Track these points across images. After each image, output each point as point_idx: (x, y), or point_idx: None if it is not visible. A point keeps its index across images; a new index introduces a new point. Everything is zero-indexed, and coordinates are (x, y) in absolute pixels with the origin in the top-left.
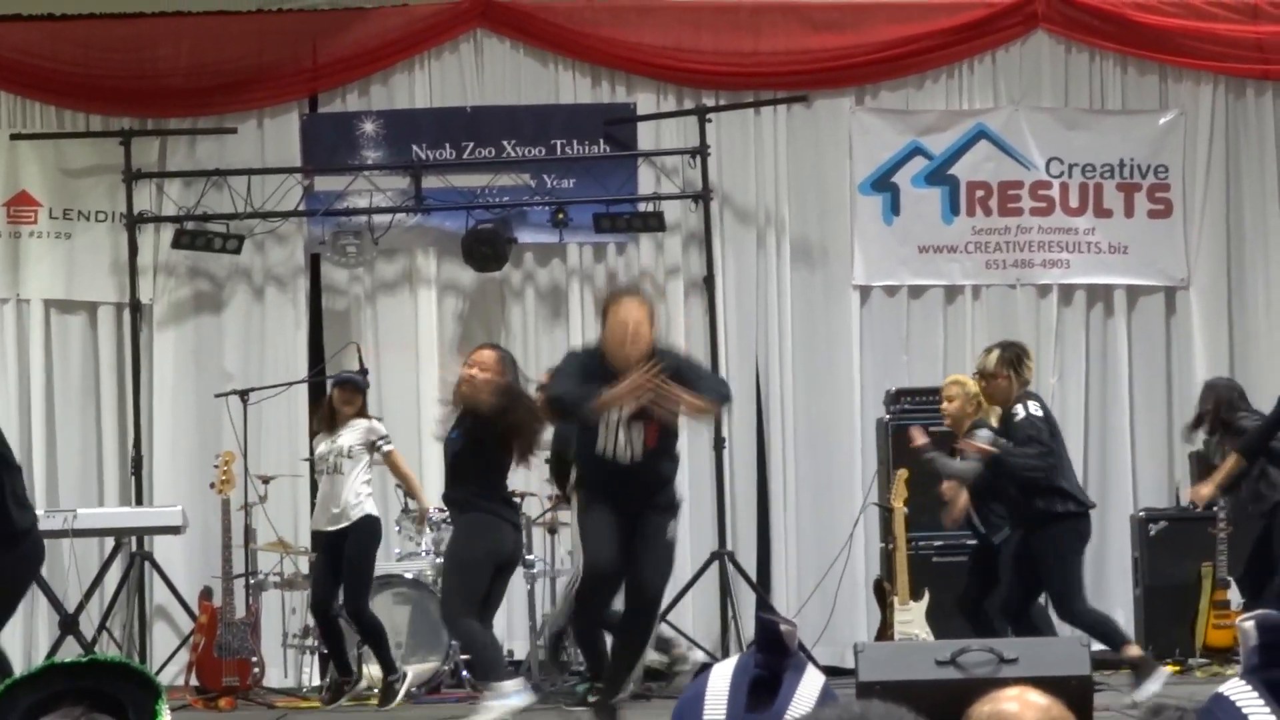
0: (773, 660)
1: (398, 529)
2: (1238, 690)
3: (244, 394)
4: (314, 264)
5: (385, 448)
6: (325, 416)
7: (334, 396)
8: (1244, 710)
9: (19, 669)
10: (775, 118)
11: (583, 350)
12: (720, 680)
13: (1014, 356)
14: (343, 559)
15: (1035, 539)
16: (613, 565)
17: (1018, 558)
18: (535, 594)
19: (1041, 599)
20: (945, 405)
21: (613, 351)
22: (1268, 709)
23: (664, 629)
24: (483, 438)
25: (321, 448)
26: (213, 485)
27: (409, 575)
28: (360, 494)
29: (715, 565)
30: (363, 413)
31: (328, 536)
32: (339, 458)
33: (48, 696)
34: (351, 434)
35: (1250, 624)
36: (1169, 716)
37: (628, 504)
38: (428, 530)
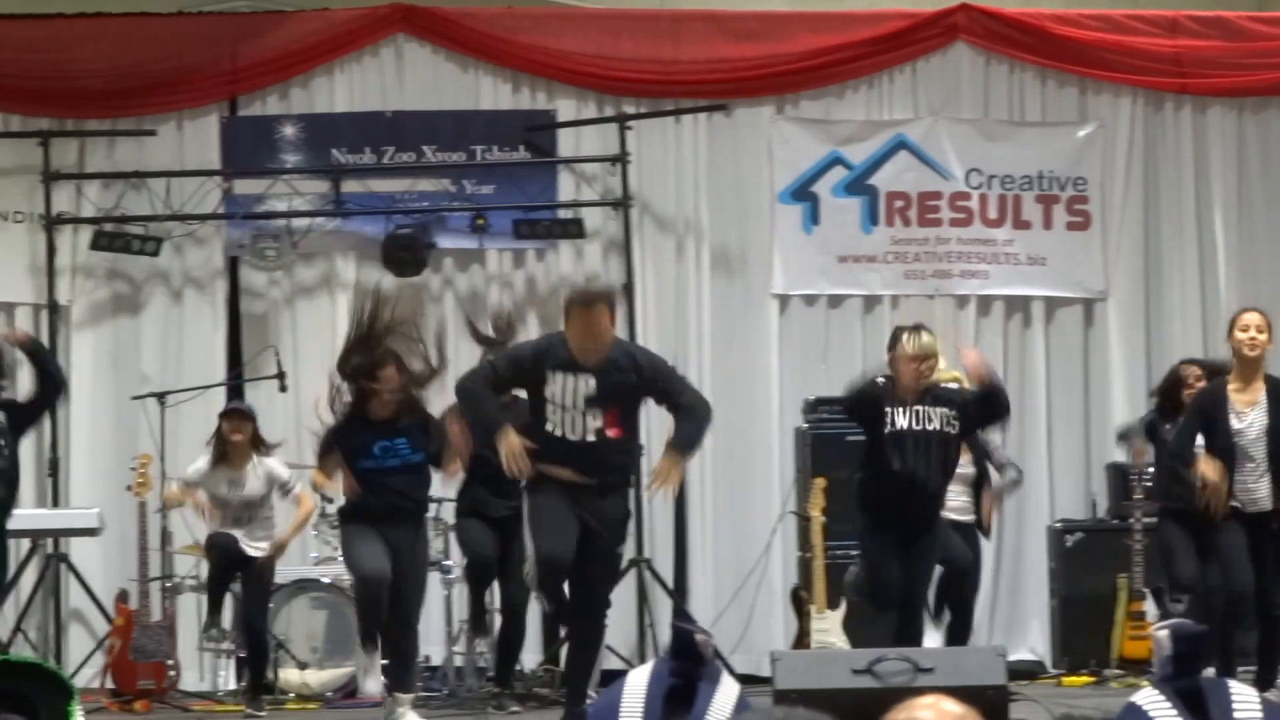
0: (688, 669)
1: (315, 533)
2: (1150, 699)
3: (161, 396)
4: (233, 267)
5: (293, 491)
6: (218, 448)
7: (222, 426)
8: (1156, 718)
9: None
10: (695, 126)
11: (545, 339)
12: (635, 689)
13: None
14: (250, 573)
15: None
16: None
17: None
18: (452, 599)
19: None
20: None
21: (574, 348)
22: (1180, 717)
23: None
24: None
25: (223, 490)
26: (130, 488)
27: (326, 580)
28: (270, 530)
29: (632, 572)
30: (256, 442)
31: (241, 552)
32: (246, 509)
33: None
34: (255, 481)
35: (1164, 633)
36: None
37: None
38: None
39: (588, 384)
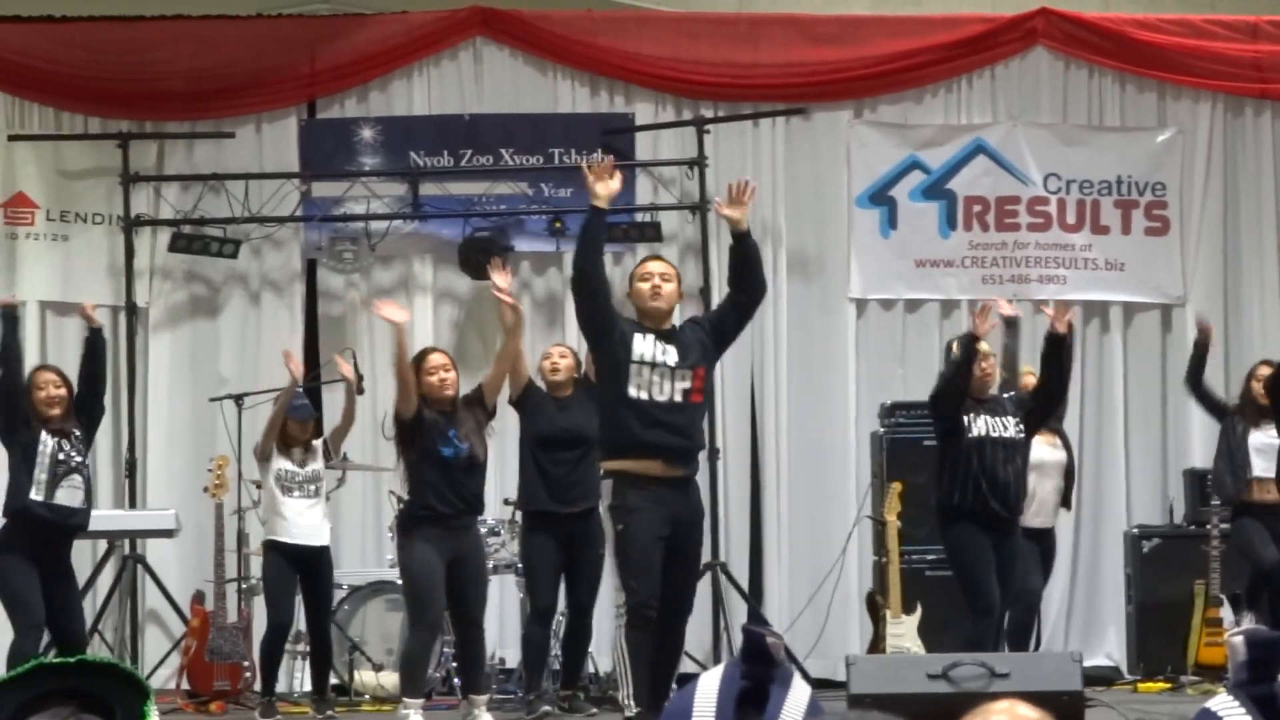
0: (758, 671)
1: (391, 536)
2: (1225, 705)
3: (239, 398)
4: (310, 270)
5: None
6: (280, 439)
7: (292, 427)
8: None
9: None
10: (773, 130)
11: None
12: (707, 691)
13: None
14: (318, 578)
15: None
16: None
17: None
18: (526, 601)
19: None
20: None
21: (639, 307)
22: None
23: None
24: None
25: (288, 466)
26: (206, 489)
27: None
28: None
29: (708, 576)
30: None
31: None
32: (310, 482)
33: (36, 696)
34: (315, 459)
35: (1239, 639)
36: None
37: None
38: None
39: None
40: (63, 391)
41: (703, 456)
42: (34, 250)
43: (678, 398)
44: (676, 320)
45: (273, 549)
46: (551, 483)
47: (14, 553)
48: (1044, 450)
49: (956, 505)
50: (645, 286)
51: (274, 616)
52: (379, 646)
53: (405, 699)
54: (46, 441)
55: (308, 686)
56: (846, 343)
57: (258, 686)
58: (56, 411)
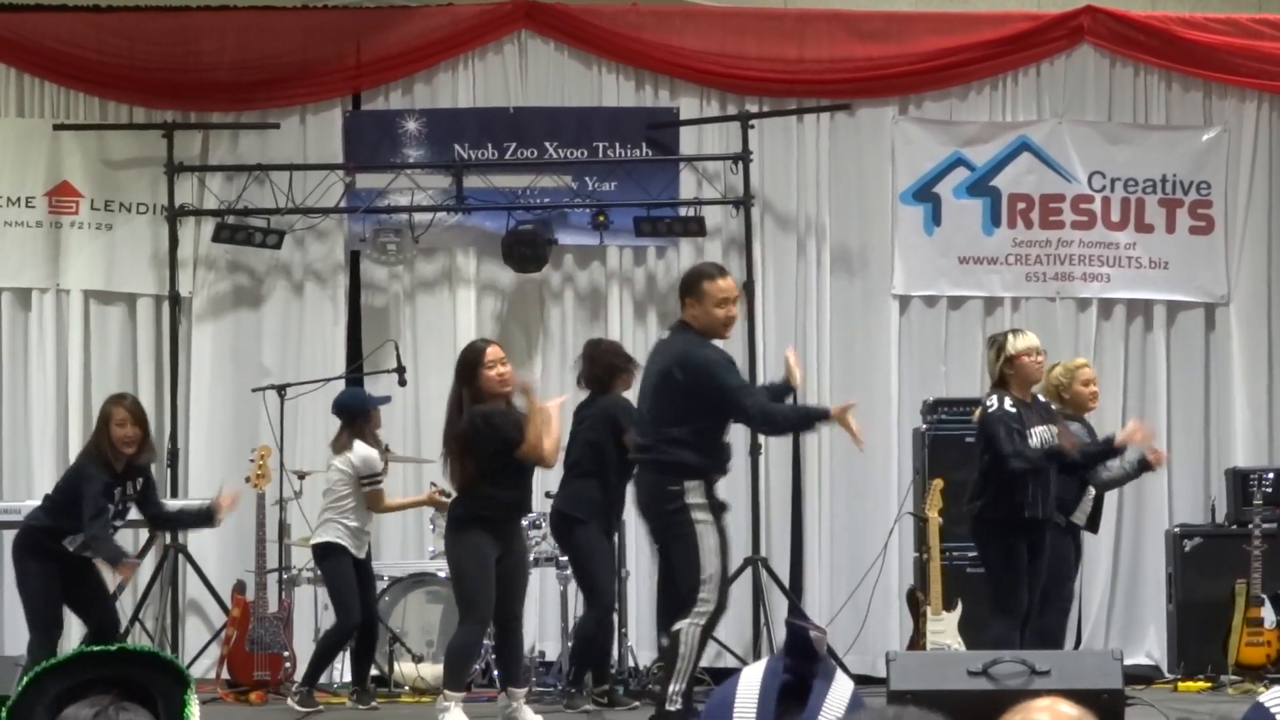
0: (801, 666)
1: (432, 528)
2: (1276, 699)
3: (281, 389)
4: (354, 261)
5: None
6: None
7: (374, 418)
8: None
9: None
10: (818, 125)
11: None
12: (749, 686)
13: None
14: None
15: None
16: None
17: None
18: (568, 595)
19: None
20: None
21: (709, 329)
22: None
23: None
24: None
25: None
26: (248, 479)
27: (442, 574)
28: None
29: (749, 571)
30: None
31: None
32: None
33: (77, 684)
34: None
35: None
36: None
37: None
38: None
39: None
40: (138, 431)
41: (744, 452)
42: (78, 239)
43: None
44: None
45: (341, 551)
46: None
47: (37, 558)
48: None
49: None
50: (722, 314)
51: (347, 616)
52: (419, 638)
53: (447, 691)
54: (113, 494)
55: (347, 678)
56: (889, 339)
57: (298, 675)
58: (130, 451)
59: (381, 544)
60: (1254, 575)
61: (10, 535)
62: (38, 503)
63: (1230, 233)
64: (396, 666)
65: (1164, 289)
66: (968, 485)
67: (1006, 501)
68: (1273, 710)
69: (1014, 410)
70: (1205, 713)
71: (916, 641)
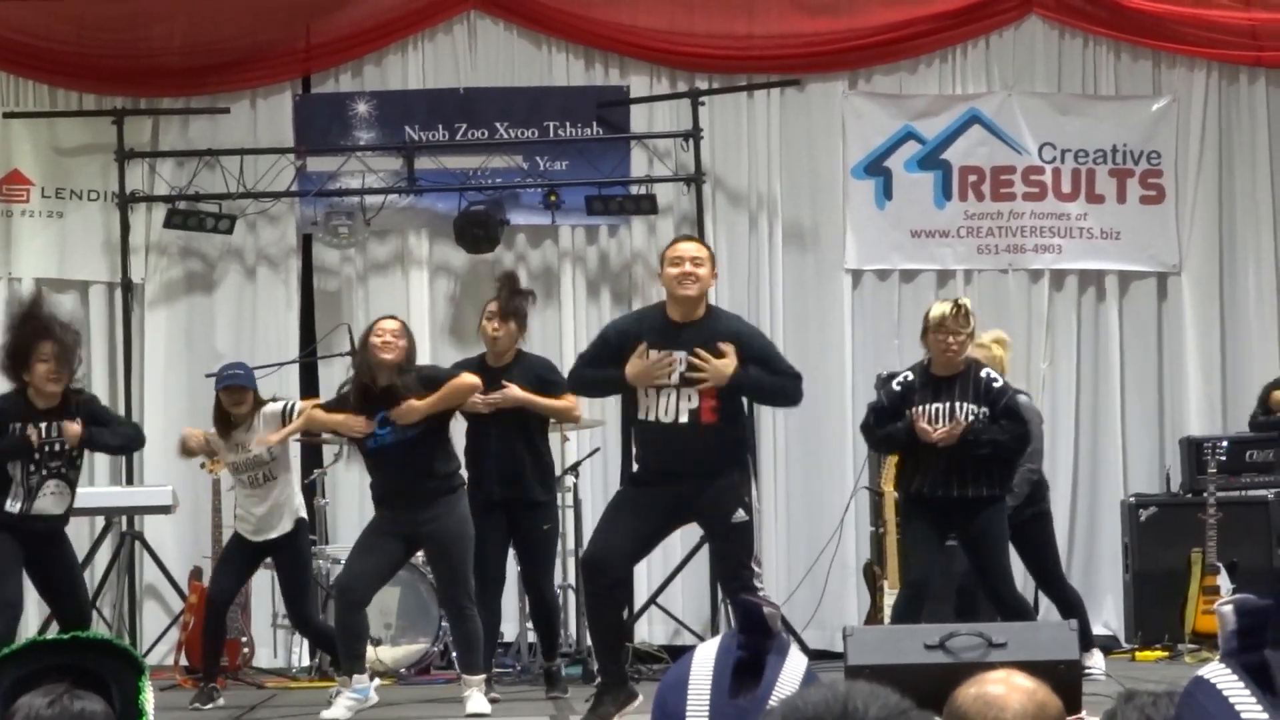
0: (755, 642)
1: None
2: (1218, 673)
3: None
4: (306, 244)
5: (295, 406)
6: (221, 423)
7: (220, 399)
8: (1224, 692)
9: None
10: (768, 101)
11: (636, 313)
12: (704, 663)
13: None
14: (283, 569)
15: None
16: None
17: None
18: None
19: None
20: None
21: (669, 297)
22: (1246, 690)
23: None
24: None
25: (232, 457)
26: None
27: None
28: (296, 499)
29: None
30: (257, 404)
31: (254, 546)
32: (256, 467)
33: (30, 673)
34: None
35: (1229, 608)
36: (1141, 702)
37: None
38: None
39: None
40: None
41: None
42: (29, 227)
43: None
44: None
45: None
46: None
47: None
48: None
49: None
50: (675, 272)
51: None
52: (377, 621)
53: (465, 677)
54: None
55: (305, 662)
56: (843, 314)
57: (256, 661)
58: (54, 389)
59: (339, 526)
60: (1209, 543)
61: None
62: None
63: (1181, 202)
64: (371, 651)
65: (1116, 259)
66: None
67: (903, 478)
68: (1215, 682)
69: (897, 387)
70: (1156, 679)
71: (874, 616)
